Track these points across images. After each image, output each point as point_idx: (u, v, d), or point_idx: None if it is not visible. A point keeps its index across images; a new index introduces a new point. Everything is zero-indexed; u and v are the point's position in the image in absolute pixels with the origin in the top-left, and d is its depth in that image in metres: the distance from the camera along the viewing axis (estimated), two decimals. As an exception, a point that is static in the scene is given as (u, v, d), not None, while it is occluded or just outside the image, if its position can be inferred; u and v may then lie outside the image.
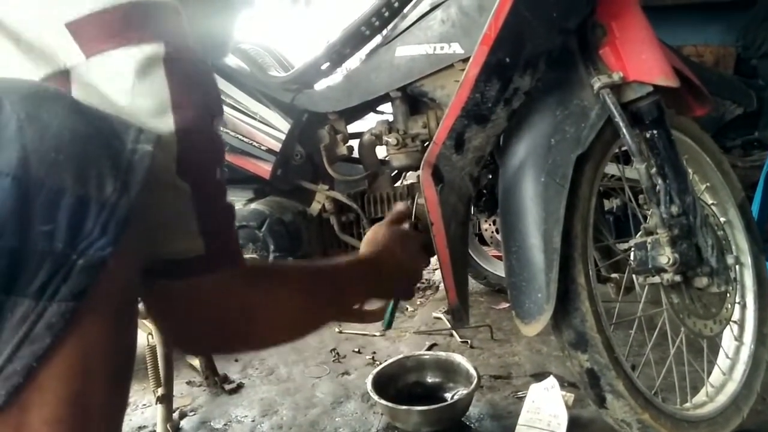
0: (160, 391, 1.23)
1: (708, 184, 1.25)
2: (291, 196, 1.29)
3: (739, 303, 1.21)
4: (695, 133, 1.20)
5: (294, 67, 1.36)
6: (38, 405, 0.44)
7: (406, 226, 1.00)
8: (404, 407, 1.22)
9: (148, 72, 0.52)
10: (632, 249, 1.03)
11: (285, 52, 1.61)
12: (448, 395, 1.36)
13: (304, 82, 1.22)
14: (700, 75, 1.11)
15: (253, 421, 1.37)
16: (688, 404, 1.11)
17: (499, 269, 2.18)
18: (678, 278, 0.98)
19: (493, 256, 2.29)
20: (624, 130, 0.94)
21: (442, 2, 1.03)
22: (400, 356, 1.46)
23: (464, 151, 0.99)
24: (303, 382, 1.57)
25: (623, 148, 1.05)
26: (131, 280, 0.51)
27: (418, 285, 2.39)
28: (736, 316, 1.19)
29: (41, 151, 0.42)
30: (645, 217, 1.06)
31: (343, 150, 1.22)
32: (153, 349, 1.25)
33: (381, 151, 1.24)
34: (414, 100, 1.16)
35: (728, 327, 1.15)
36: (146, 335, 1.27)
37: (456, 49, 1.02)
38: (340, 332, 1.89)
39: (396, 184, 1.28)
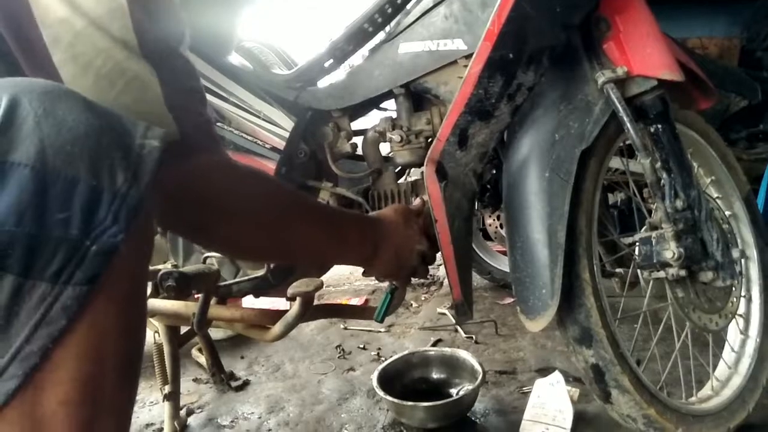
0: (167, 388, 1.24)
1: (713, 177, 1.24)
2: (295, 194, 1.29)
3: (744, 296, 1.20)
4: (700, 127, 1.20)
5: (297, 64, 1.35)
6: (53, 385, 0.46)
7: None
8: (410, 403, 1.23)
9: None
10: (637, 244, 1.03)
11: (288, 50, 1.61)
12: (453, 391, 1.36)
13: (307, 80, 1.22)
14: (705, 67, 1.10)
15: (259, 417, 1.38)
16: (693, 398, 1.11)
17: (503, 264, 2.18)
18: (683, 273, 0.98)
19: (497, 251, 2.29)
20: (628, 125, 0.94)
21: (445, -2, 1.02)
22: (406, 352, 1.46)
23: (468, 147, 0.99)
24: (309, 378, 1.57)
25: (627, 142, 1.05)
26: (141, 268, 0.53)
27: (422, 282, 2.39)
28: (741, 309, 1.19)
29: (57, 144, 0.45)
30: (650, 212, 1.06)
31: (346, 147, 1.22)
32: (160, 347, 1.26)
33: (385, 148, 1.24)
34: (417, 97, 1.16)
35: (734, 320, 1.14)
36: (153, 333, 1.28)
37: (459, 45, 1.02)
38: (345, 329, 1.90)
39: (400, 181, 1.28)
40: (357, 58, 1.21)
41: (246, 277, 1.16)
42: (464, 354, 1.40)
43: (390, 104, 1.22)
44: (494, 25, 0.89)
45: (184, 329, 1.33)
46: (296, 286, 0.99)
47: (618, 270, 1.28)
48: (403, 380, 1.40)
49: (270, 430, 1.33)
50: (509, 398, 1.37)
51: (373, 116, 1.27)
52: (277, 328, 1.07)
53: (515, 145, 1.02)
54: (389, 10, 1.12)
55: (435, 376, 1.43)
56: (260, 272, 1.14)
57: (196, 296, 1.11)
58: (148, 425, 1.38)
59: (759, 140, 2.20)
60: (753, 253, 1.23)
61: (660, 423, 0.97)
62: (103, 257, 0.46)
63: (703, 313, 1.04)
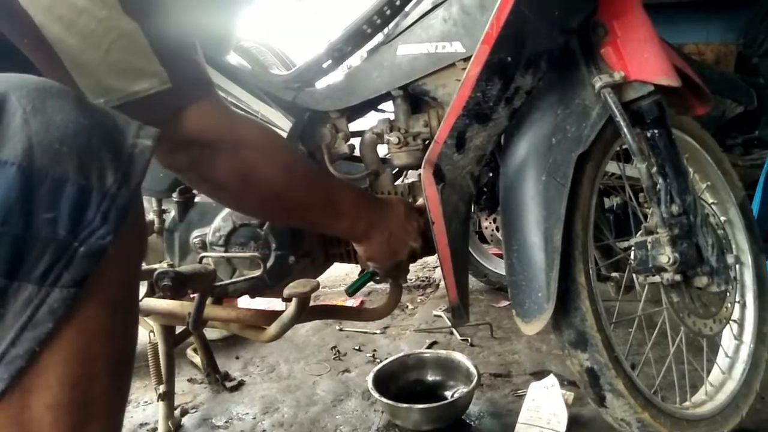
0: (161, 388, 1.24)
1: (708, 183, 1.25)
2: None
3: (738, 302, 1.21)
4: (696, 132, 1.20)
5: (295, 65, 1.35)
6: (40, 389, 0.44)
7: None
8: (405, 405, 1.23)
9: None
10: (632, 248, 1.03)
11: (286, 50, 1.61)
12: (448, 393, 1.37)
13: (305, 81, 1.21)
14: (701, 73, 1.11)
15: (254, 418, 1.38)
16: (687, 403, 1.11)
17: (499, 267, 2.18)
18: (678, 277, 0.98)
19: (494, 254, 2.29)
20: (625, 130, 0.94)
21: (444, 1, 1.02)
22: (401, 354, 1.46)
23: (465, 150, 0.99)
24: (304, 379, 1.57)
25: (624, 147, 1.05)
26: (131, 270, 0.52)
27: (419, 284, 2.39)
28: (735, 315, 1.19)
29: (45, 142, 0.43)
30: (645, 216, 1.06)
31: (344, 148, 1.22)
32: (154, 346, 1.25)
33: (382, 150, 1.24)
34: (415, 99, 1.16)
35: (728, 326, 1.15)
36: (147, 333, 1.27)
37: (457, 47, 1.02)
38: (341, 330, 1.90)
39: (397, 183, 1.28)
40: (355, 60, 1.20)
41: (242, 278, 1.16)
42: (459, 356, 1.40)
43: (388, 106, 1.22)
44: (493, 28, 0.89)
45: (179, 329, 1.32)
46: (292, 287, 0.98)
47: (613, 274, 1.28)
48: (398, 382, 1.40)
49: (264, 430, 1.32)
50: (504, 401, 1.37)
51: (371, 118, 1.26)
52: (272, 328, 1.07)
53: (512, 149, 1.02)
54: (388, 12, 1.12)
55: (430, 378, 1.43)
56: (256, 273, 1.14)
57: (191, 296, 1.10)
58: (142, 425, 1.38)
59: (754, 146, 2.21)
60: (747, 258, 1.23)
61: (654, 427, 0.97)
62: (92, 259, 0.45)
63: (698, 318, 1.05)
